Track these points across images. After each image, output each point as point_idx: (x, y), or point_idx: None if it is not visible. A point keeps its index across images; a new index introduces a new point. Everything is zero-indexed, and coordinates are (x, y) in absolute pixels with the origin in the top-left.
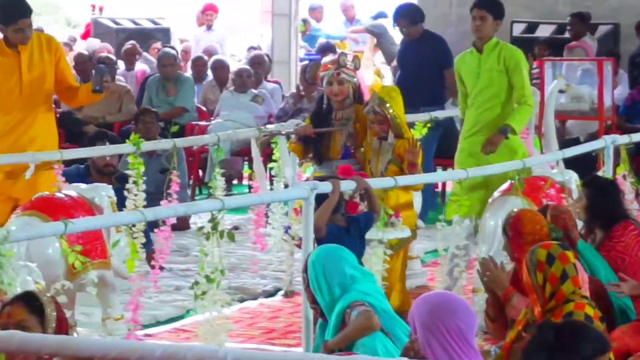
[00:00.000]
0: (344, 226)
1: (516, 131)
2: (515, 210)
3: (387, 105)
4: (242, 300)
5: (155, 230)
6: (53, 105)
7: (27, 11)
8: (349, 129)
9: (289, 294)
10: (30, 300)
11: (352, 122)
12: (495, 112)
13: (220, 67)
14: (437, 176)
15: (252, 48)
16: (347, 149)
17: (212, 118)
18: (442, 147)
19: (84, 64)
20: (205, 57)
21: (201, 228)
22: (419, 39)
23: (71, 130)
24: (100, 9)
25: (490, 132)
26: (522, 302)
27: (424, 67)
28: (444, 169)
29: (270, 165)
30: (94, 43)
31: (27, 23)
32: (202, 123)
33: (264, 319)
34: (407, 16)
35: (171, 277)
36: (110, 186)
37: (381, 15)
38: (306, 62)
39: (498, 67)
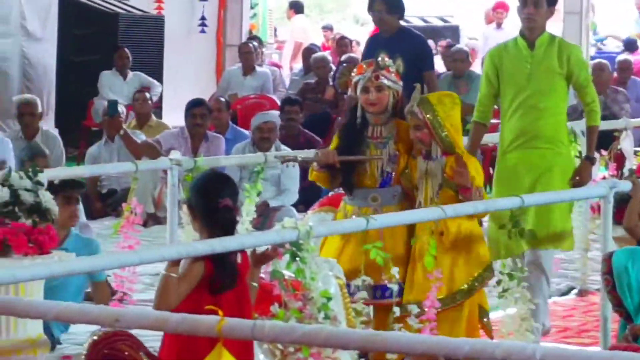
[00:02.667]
0: None
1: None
2: None
3: (430, 107)
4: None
5: None
6: None
7: None
8: (389, 151)
9: (582, 293)
10: None
11: (392, 141)
12: (551, 121)
13: None
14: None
15: None
16: (388, 174)
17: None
18: None
19: None
20: None
21: (503, 226)
22: (395, 35)
23: None
24: None
25: (545, 144)
26: None
27: (406, 70)
28: None
29: None
30: None
31: None
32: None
33: (558, 318)
34: (387, 1)
35: None
36: None
37: None
38: (344, 64)
39: (559, 69)
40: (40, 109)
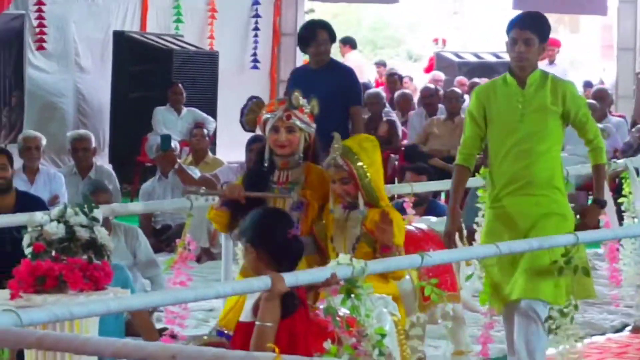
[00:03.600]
0: None
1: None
2: None
3: (356, 157)
4: (590, 336)
5: None
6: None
7: None
8: (295, 196)
9: (636, 330)
10: None
11: (300, 186)
12: (546, 165)
13: None
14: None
15: (587, 83)
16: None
17: None
18: None
19: (430, 97)
20: None
21: (554, 262)
22: (324, 67)
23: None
24: (444, 42)
25: (540, 191)
26: None
27: (331, 103)
28: None
29: (620, 200)
30: (438, 76)
31: None
32: None
33: (612, 355)
34: (329, 28)
35: None
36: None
37: None
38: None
39: (553, 107)
40: (94, 145)
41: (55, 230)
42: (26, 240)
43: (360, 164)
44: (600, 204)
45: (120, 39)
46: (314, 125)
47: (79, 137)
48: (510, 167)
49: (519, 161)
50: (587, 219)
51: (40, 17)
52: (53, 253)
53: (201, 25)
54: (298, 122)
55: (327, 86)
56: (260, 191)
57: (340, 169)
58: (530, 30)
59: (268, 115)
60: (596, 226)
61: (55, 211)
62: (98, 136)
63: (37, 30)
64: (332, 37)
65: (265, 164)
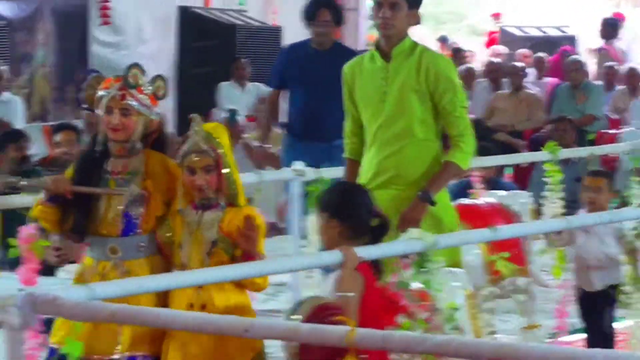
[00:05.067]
0: None
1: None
2: None
3: (217, 142)
4: None
5: None
6: None
7: None
8: (134, 189)
9: None
10: None
11: (138, 178)
12: (410, 154)
13: (632, 75)
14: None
15: None
16: (131, 220)
17: (621, 126)
18: None
19: (495, 72)
20: (616, 66)
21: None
22: (330, 49)
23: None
24: (500, 17)
25: (405, 186)
26: None
27: (337, 88)
28: None
29: None
30: (501, 50)
31: None
32: (612, 131)
33: None
34: (334, 8)
35: None
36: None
37: None
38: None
39: (416, 85)
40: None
41: None
42: None
43: (221, 150)
44: (426, 199)
45: (185, 14)
46: (157, 111)
47: None
48: (373, 156)
49: (380, 148)
50: (406, 214)
51: None
52: None
53: None
54: (135, 104)
55: (327, 70)
56: (92, 182)
57: (205, 155)
58: None
59: (102, 93)
60: (413, 223)
61: None
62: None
63: (101, 5)
64: (336, 19)
65: (97, 149)
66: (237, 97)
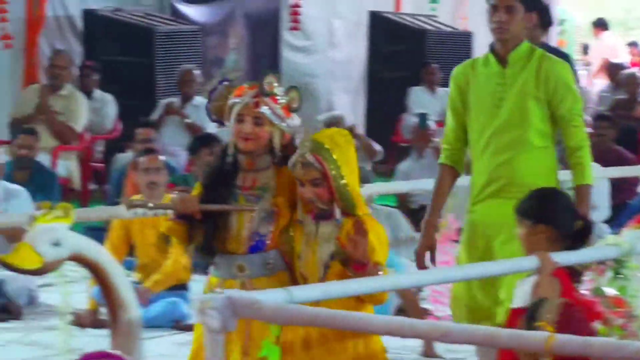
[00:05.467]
0: None
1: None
2: None
3: (329, 154)
4: None
5: None
6: None
7: None
8: (265, 205)
9: None
10: None
11: (269, 194)
12: (524, 162)
13: None
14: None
15: None
16: (261, 237)
17: None
18: None
19: None
20: None
21: None
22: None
23: None
24: None
25: (518, 195)
26: None
27: None
28: None
29: None
30: None
31: None
32: None
33: None
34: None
35: None
36: None
37: None
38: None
39: (535, 92)
40: (346, 126)
41: None
42: None
43: (335, 163)
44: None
45: (376, 19)
46: (292, 123)
47: (333, 118)
48: (488, 164)
49: (496, 156)
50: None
51: None
52: None
53: (455, 5)
54: (268, 112)
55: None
56: (222, 198)
57: (311, 168)
58: None
59: (235, 101)
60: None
61: None
62: (352, 117)
63: (292, 10)
64: (542, 22)
65: (228, 161)
66: (428, 101)
